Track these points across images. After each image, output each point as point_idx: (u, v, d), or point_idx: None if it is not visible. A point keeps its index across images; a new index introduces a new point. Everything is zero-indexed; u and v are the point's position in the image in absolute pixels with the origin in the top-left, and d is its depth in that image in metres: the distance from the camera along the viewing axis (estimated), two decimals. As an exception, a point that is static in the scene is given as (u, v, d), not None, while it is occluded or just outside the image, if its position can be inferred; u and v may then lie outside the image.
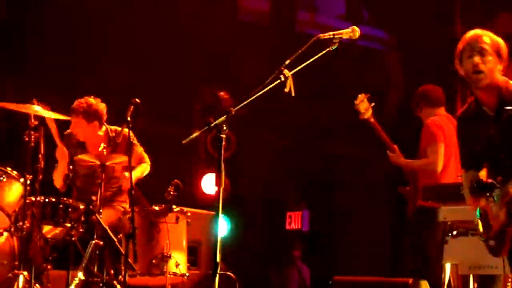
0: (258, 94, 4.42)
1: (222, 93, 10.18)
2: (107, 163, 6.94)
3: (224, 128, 4.33)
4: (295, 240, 11.71)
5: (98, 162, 6.93)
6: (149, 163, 7.60)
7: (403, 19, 12.23)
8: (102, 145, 7.12)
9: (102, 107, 7.43)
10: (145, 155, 7.60)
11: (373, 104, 7.51)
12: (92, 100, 7.38)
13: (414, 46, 11.93)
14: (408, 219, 7.58)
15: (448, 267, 6.63)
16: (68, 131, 7.51)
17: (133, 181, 7.11)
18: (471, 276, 6.61)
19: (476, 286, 6.68)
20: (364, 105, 7.51)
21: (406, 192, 7.66)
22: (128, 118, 6.79)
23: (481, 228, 5.12)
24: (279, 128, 11.33)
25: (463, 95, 11.59)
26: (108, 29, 9.93)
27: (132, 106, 6.79)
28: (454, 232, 6.58)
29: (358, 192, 11.40)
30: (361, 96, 7.53)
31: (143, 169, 7.55)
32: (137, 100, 6.81)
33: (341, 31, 4.76)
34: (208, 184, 10.27)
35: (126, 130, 6.86)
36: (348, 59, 11.65)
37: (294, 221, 11.66)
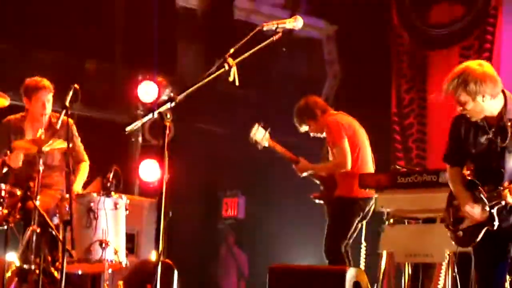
0: (203, 82, 4.41)
1: (160, 80, 10.13)
2: (46, 149, 6.86)
3: (168, 115, 4.31)
4: (229, 227, 11.75)
5: (36, 148, 6.84)
6: (87, 160, 7.54)
7: (340, 8, 12.33)
8: (40, 130, 7.03)
9: None
10: (84, 153, 7.54)
11: (269, 129, 7.62)
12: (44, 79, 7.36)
13: (351, 35, 12.04)
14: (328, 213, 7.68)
15: (384, 254, 6.73)
16: (11, 117, 7.42)
17: (80, 185, 7.13)
18: (406, 264, 6.73)
19: (411, 273, 6.81)
20: (259, 135, 7.61)
21: (320, 195, 7.76)
22: (67, 104, 6.74)
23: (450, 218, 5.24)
24: (215, 115, 11.33)
25: (397, 85, 11.76)
26: (43, 12, 9.81)
27: (71, 91, 6.74)
28: (391, 220, 6.69)
29: (294, 178, 11.46)
30: (254, 128, 7.62)
31: (85, 171, 7.50)
32: (76, 85, 6.75)
33: (284, 21, 4.76)
34: (146, 171, 10.22)
35: (65, 117, 6.81)
36: (285, 47, 11.73)
37: (231, 208, 11.69)
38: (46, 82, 7.34)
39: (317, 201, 7.74)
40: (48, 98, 7.30)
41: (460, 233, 5.16)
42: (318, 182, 7.76)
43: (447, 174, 5.36)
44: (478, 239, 5.04)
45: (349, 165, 7.36)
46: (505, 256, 5.11)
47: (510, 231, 5.07)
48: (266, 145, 7.65)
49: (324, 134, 7.65)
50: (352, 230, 7.40)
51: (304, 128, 7.72)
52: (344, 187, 7.41)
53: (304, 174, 7.67)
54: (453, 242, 5.25)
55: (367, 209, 7.42)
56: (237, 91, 10.15)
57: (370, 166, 7.61)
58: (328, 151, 7.63)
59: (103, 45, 10.43)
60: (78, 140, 7.48)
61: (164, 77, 10.24)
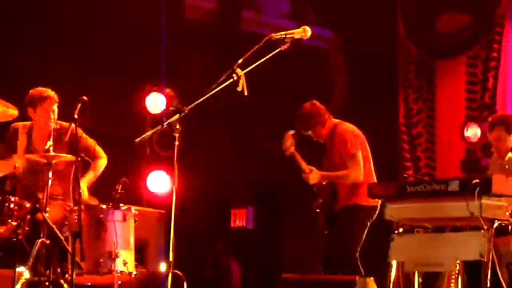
0: (211, 93, 4.42)
1: (168, 91, 10.15)
2: (54, 161, 6.87)
3: (177, 126, 4.33)
4: (219, 236, 11.72)
5: (44, 161, 6.86)
6: (105, 156, 7.57)
7: (347, 18, 12.34)
8: (49, 143, 7.04)
9: None
10: (99, 149, 7.57)
11: (297, 137, 7.63)
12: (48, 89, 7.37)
13: (358, 46, 12.05)
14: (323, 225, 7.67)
15: (394, 264, 6.71)
16: (19, 124, 7.44)
17: (92, 180, 7.14)
18: (416, 273, 6.71)
19: (421, 282, 6.79)
20: (289, 142, 7.62)
21: (319, 204, 7.75)
22: (76, 116, 6.76)
23: None
24: (224, 126, 11.34)
25: (404, 95, 11.77)
26: (52, 26, 9.84)
27: (80, 104, 6.76)
28: (400, 230, 6.66)
29: (303, 189, 11.46)
30: (287, 135, 7.62)
31: (101, 166, 7.53)
32: (84, 98, 6.78)
33: (292, 31, 4.79)
34: (154, 182, 10.21)
35: (74, 128, 6.82)
36: (292, 58, 11.73)
37: (239, 219, 11.67)
38: (50, 92, 7.35)
39: (317, 210, 7.74)
40: (53, 108, 7.32)
41: None
42: (315, 190, 7.75)
43: None
44: None
45: (362, 177, 7.37)
46: None
47: None
48: (290, 152, 7.64)
49: (324, 141, 7.64)
50: (363, 238, 7.41)
51: (306, 133, 7.70)
52: (353, 196, 7.41)
53: (315, 182, 7.66)
54: None
55: (374, 217, 7.44)
56: (245, 102, 10.14)
57: (373, 175, 7.63)
58: (332, 159, 7.60)
59: (111, 57, 10.45)
60: (89, 141, 7.51)
61: (172, 88, 10.25)
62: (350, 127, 7.62)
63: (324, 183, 7.63)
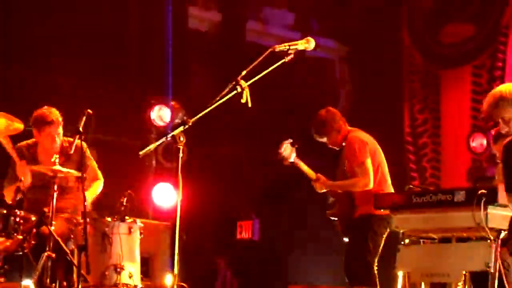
0: (215, 105, 4.42)
1: (173, 103, 10.15)
2: (60, 175, 6.87)
3: (181, 138, 4.32)
4: (218, 248, 11.71)
5: (51, 174, 6.85)
6: (102, 179, 7.52)
7: (352, 29, 12.35)
8: (55, 156, 7.03)
9: None
10: (99, 172, 7.52)
11: (296, 146, 7.60)
12: (53, 109, 7.32)
13: (363, 56, 12.06)
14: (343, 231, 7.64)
15: (400, 275, 6.69)
16: (22, 144, 7.42)
17: (90, 200, 7.10)
18: (423, 284, 6.69)
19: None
20: (287, 151, 7.59)
21: (336, 212, 7.72)
22: (81, 129, 6.76)
23: None
24: (229, 137, 11.34)
25: (410, 105, 11.77)
26: (57, 36, 9.86)
27: (84, 117, 6.76)
28: (406, 241, 6.65)
29: (308, 201, 11.46)
30: (284, 144, 7.60)
31: (97, 187, 7.47)
32: (89, 110, 6.77)
33: (296, 42, 4.78)
34: (159, 194, 10.21)
35: (78, 141, 6.82)
36: (297, 68, 11.74)
37: (245, 231, 11.66)
38: (54, 115, 7.26)
39: (332, 218, 7.71)
40: (58, 132, 7.26)
41: None
42: (333, 199, 7.72)
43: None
44: None
45: (371, 184, 7.34)
46: None
47: None
48: (292, 161, 7.62)
49: (339, 148, 7.62)
50: (381, 248, 7.36)
51: (321, 139, 7.67)
52: (368, 205, 7.37)
53: (323, 190, 7.63)
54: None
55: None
56: (251, 114, 10.15)
57: (389, 184, 7.59)
58: (343, 167, 7.59)
59: (116, 69, 10.47)
60: (91, 162, 7.47)
61: (177, 100, 10.26)
62: (360, 135, 7.60)
63: (339, 191, 7.61)
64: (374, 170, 7.42)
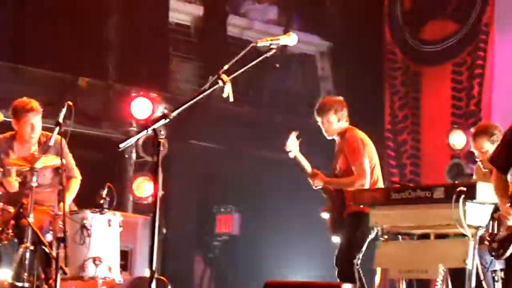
0: (197, 98, 4.40)
1: (153, 96, 10.11)
2: (39, 166, 6.83)
3: (162, 132, 4.30)
4: (197, 242, 11.70)
5: (29, 165, 6.82)
6: (79, 177, 7.46)
7: (334, 24, 12.37)
8: (33, 148, 7.00)
9: None
10: (76, 170, 7.46)
11: (300, 139, 7.60)
12: (33, 99, 7.28)
13: (344, 52, 12.08)
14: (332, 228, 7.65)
15: (379, 271, 6.72)
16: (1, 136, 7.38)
17: (69, 200, 7.08)
18: (401, 280, 6.71)
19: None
20: (292, 143, 7.59)
21: (329, 208, 7.73)
22: (60, 121, 6.72)
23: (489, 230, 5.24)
24: (208, 131, 11.32)
25: (390, 102, 11.80)
26: (36, 29, 9.82)
27: (64, 109, 6.72)
28: (385, 236, 6.67)
29: (288, 195, 11.47)
30: (290, 136, 7.60)
31: (74, 187, 7.42)
32: (69, 102, 6.74)
33: (278, 37, 4.75)
34: (139, 188, 10.18)
35: (58, 136, 6.79)
36: (278, 63, 11.75)
37: (224, 225, 11.66)
38: (34, 104, 7.23)
39: (323, 214, 7.71)
40: (37, 120, 7.21)
41: (495, 244, 5.13)
42: (325, 196, 7.72)
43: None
44: (509, 252, 5.00)
45: (367, 184, 7.35)
46: None
47: None
48: (295, 154, 7.61)
49: (331, 137, 7.61)
50: (366, 244, 7.36)
51: (319, 119, 7.63)
52: None
53: (319, 186, 7.62)
54: (488, 253, 5.23)
55: None
56: (230, 108, 10.15)
57: (381, 182, 7.62)
58: (337, 165, 7.57)
59: (96, 62, 10.43)
60: (69, 157, 7.40)
61: (158, 93, 10.22)
62: (359, 134, 7.61)
63: (331, 188, 7.61)
64: (370, 170, 7.45)
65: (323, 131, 7.64)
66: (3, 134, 7.40)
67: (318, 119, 7.63)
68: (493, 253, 5.18)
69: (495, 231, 5.24)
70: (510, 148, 5.21)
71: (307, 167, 7.65)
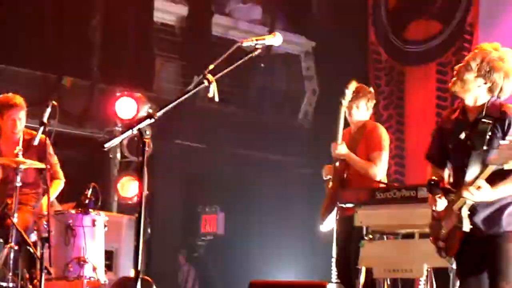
0: (182, 98, 4.39)
1: (138, 96, 10.09)
2: (23, 166, 6.81)
3: (147, 132, 4.29)
4: (182, 242, 11.69)
5: (14, 165, 6.80)
6: (63, 179, 7.42)
7: (318, 24, 12.39)
8: (18, 148, 6.97)
9: None
10: (59, 170, 7.41)
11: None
12: (17, 95, 7.25)
13: (329, 51, 12.10)
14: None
15: (363, 270, 6.73)
16: None
17: (52, 199, 7.03)
18: (385, 279, 6.73)
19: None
20: (350, 92, 7.50)
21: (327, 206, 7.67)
22: (45, 120, 6.70)
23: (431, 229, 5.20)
24: (193, 131, 11.33)
25: (376, 102, 11.82)
26: (20, 28, 9.79)
27: (49, 108, 6.70)
28: (370, 236, 6.69)
29: (273, 195, 11.48)
30: (353, 83, 7.51)
31: (57, 188, 7.37)
32: (54, 102, 6.72)
33: (263, 37, 4.75)
34: (124, 188, 10.17)
35: (43, 136, 6.77)
36: (263, 63, 11.77)
37: (209, 224, 11.67)
38: (18, 99, 7.19)
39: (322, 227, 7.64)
40: (20, 116, 7.16)
41: (441, 243, 5.12)
42: (330, 176, 7.63)
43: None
44: (458, 246, 4.99)
45: (379, 175, 7.28)
46: (485, 262, 5.03)
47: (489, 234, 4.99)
48: (346, 103, 7.51)
49: (353, 122, 7.53)
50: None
51: (348, 100, 7.54)
52: None
53: (340, 156, 7.49)
54: (437, 255, 5.21)
55: None
56: (216, 107, 10.15)
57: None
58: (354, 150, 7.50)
59: (80, 61, 10.41)
60: (53, 158, 7.36)
61: (142, 93, 10.21)
62: (384, 129, 7.61)
63: (337, 165, 7.49)
64: (387, 166, 7.42)
65: (346, 114, 7.54)
66: None
67: (347, 100, 7.51)
68: (441, 253, 5.17)
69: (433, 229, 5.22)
70: (442, 142, 5.22)
71: (339, 135, 7.53)
